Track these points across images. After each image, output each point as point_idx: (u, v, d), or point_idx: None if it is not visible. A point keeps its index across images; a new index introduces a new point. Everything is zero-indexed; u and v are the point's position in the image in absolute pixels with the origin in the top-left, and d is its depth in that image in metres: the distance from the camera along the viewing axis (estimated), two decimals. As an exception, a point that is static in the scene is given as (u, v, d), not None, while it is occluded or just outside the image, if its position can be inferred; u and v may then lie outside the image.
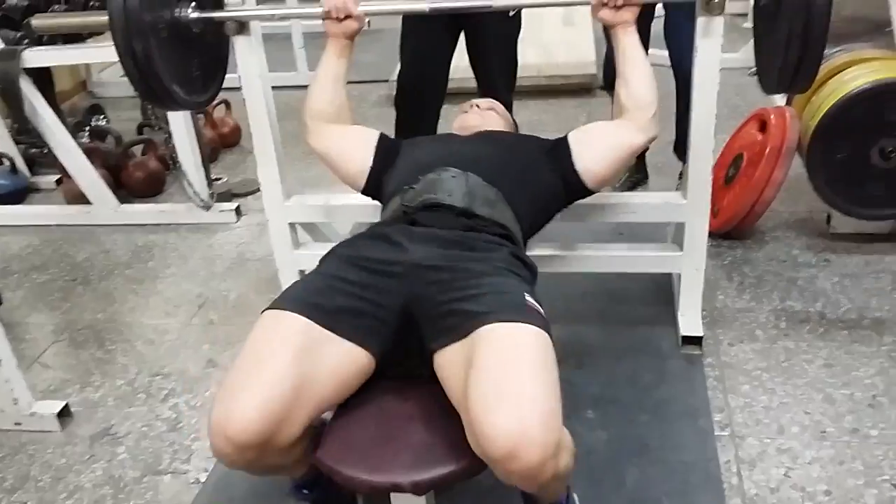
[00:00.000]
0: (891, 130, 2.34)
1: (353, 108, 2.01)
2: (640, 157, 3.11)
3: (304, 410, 1.31)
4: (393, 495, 1.33)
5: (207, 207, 3.17)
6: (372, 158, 1.86)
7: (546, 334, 1.34)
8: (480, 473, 1.29)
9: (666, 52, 2.72)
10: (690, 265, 2.16)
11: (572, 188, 1.83)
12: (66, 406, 2.15)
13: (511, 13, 2.55)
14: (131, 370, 2.37)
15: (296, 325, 1.38)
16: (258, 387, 1.28)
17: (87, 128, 3.92)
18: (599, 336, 2.30)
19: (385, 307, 1.44)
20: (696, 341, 2.18)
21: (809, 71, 1.67)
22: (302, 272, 2.39)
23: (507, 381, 1.21)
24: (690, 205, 2.07)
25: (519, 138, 2.04)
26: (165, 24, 1.86)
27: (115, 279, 2.89)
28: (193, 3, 1.93)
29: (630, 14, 1.80)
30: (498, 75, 2.71)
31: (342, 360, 1.39)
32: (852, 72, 2.41)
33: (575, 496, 1.56)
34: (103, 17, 1.80)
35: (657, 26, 2.72)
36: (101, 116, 4.11)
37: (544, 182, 1.80)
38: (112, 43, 1.74)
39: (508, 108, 2.42)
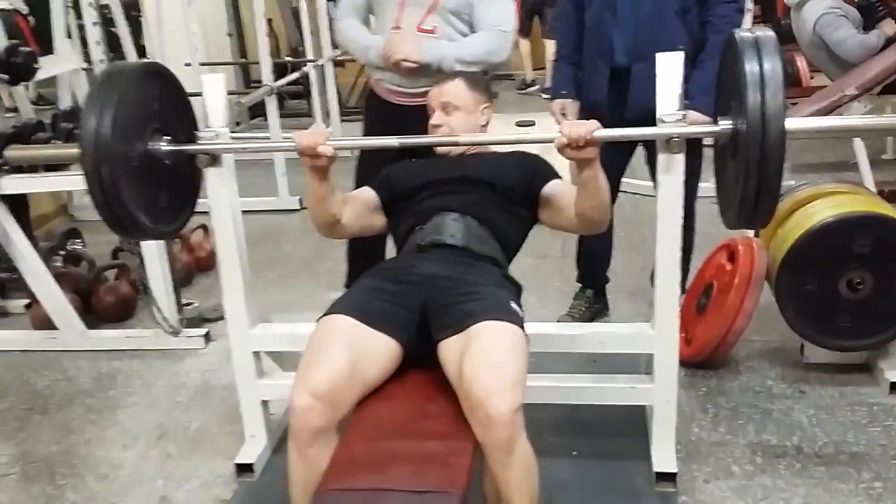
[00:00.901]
0: (857, 262, 2.36)
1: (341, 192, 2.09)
2: (602, 291, 3.11)
3: (357, 383, 1.72)
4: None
5: (176, 333, 3.12)
6: (376, 197, 2.16)
7: (521, 331, 1.79)
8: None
9: (640, 182, 2.77)
10: (662, 397, 2.12)
11: (531, 223, 2.17)
12: (7, 547, 2.03)
13: None
14: (80, 507, 2.25)
15: (346, 322, 1.80)
16: (328, 360, 1.70)
17: (62, 252, 3.90)
18: (571, 472, 2.22)
19: (409, 308, 1.85)
20: (670, 478, 2.11)
21: (767, 208, 1.70)
22: (265, 403, 2.34)
23: (489, 356, 1.65)
24: (659, 336, 2.05)
25: (505, 184, 2.10)
26: (137, 155, 1.89)
27: (75, 408, 2.79)
28: (167, 137, 1.96)
29: (593, 152, 1.84)
30: None
31: (381, 348, 1.79)
32: (816, 205, 2.46)
33: None
34: (75, 150, 1.82)
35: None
36: (77, 240, 4.11)
37: (522, 218, 2.13)
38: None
39: None
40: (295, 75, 5.03)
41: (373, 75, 2.74)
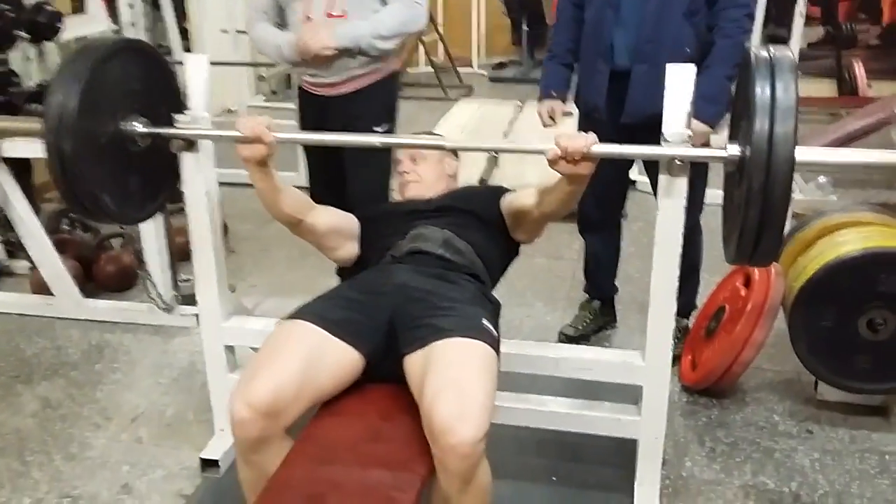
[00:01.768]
0: (880, 301, 2.17)
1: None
2: (610, 302, 2.95)
3: (308, 393, 1.62)
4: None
5: (169, 310, 3.05)
6: (358, 227, 2.12)
7: (492, 350, 1.66)
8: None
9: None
10: (649, 433, 1.97)
11: (513, 245, 2.13)
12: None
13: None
14: (41, 488, 2.20)
15: (305, 328, 1.71)
16: (275, 369, 1.60)
17: (71, 215, 3.86)
18: (548, 499, 2.10)
19: (375, 318, 1.75)
20: (650, 520, 1.97)
21: (769, 246, 1.54)
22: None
23: (454, 378, 1.53)
24: (649, 368, 1.90)
25: (474, 205, 2.10)
26: (106, 134, 1.79)
27: (58, 380, 2.74)
28: (143, 119, 1.86)
29: (588, 168, 1.69)
30: None
31: (340, 358, 1.69)
32: (844, 234, 2.27)
33: None
34: (36, 125, 1.74)
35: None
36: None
37: (501, 239, 2.08)
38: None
39: None
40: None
41: (293, 72, 2.63)
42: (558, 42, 2.66)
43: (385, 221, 2.12)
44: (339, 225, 2.10)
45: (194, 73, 1.95)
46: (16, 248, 3.66)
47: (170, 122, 1.91)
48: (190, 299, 3.17)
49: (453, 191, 2.20)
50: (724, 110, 2.53)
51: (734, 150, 1.61)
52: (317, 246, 2.13)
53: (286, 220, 2.01)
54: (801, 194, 3.78)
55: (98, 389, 2.69)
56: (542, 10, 7.81)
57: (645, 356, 1.90)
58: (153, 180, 1.96)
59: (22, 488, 2.20)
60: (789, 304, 2.29)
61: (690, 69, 1.74)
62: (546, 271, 3.44)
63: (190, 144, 1.93)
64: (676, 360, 2.56)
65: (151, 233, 2.97)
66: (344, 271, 2.78)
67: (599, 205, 2.69)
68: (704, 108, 2.21)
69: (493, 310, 1.87)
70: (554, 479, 2.17)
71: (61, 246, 3.27)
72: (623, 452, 2.19)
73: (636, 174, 3.67)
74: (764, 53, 1.55)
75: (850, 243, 2.23)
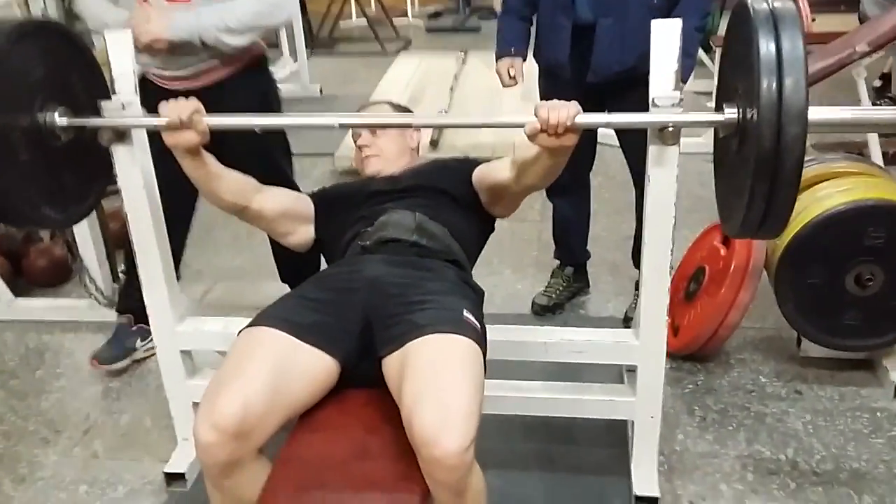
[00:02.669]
0: (868, 256, 2.09)
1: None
2: (582, 267, 2.84)
3: (280, 408, 1.46)
4: None
5: (111, 304, 2.82)
6: (312, 208, 1.95)
7: (476, 346, 1.50)
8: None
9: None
10: (645, 413, 1.87)
11: (488, 220, 1.98)
12: None
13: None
14: (-11, 520, 2.01)
15: (271, 336, 1.53)
16: (241, 383, 1.42)
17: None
18: (542, 486, 1.99)
19: (347, 319, 1.59)
20: (651, 502, 1.88)
21: (779, 219, 1.41)
22: (196, 405, 2.06)
23: (434, 381, 1.38)
24: (643, 347, 1.79)
25: (443, 181, 1.93)
26: (22, 130, 1.56)
27: (-5, 392, 2.52)
28: (62, 107, 1.63)
29: (572, 140, 1.54)
30: None
31: (312, 366, 1.53)
32: (826, 188, 2.17)
33: None
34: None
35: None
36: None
37: (474, 215, 1.92)
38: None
39: None
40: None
41: (142, 64, 2.18)
42: None
43: (346, 204, 1.93)
44: (289, 208, 1.92)
45: (118, 51, 1.72)
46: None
47: (95, 111, 1.69)
48: (134, 291, 2.96)
49: (419, 166, 2.01)
50: (694, 63, 2.40)
51: (731, 112, 1.48)
52: (268, 232, 1.98)
53: (229, 207, 1.84)
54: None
55: (43, 399, 2.47)
56: (476, -45, 7.59)
57: (639, 335, 1.79)
58: (84, 173, 1.75)
59: (-34, 521, 2.00)
60: (774, 263, 2.20)
61: (676, 24, 1.59)
62: (511, 235, 3.30)
63: (121, 135, 1.71)
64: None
65: (82, 222, 2.72)
66: (289, 279, 2.66)
67: (568, 167, 2.53)
68: None
69: (476, 299, 1.72)
70: (547, 465, 2.06)
71: (-15, 242, 3.01)
72: (615, 431, 2.11)
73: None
74: (764, 5, 1.40)
75: (833, 197, 2.13)
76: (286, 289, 2.59)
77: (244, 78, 2.26)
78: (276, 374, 1.46)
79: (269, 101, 2.36)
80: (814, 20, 5.43)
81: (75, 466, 2.17)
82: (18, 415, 2.41)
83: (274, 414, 1.45)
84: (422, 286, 1.63)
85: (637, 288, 2.46)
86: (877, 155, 2.93)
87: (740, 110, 1.45)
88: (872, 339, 2.19)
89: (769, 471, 2.02)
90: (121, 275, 2.87)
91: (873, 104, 3.39)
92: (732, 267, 2.26)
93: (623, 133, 2.39)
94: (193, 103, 1.62)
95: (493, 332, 1.71)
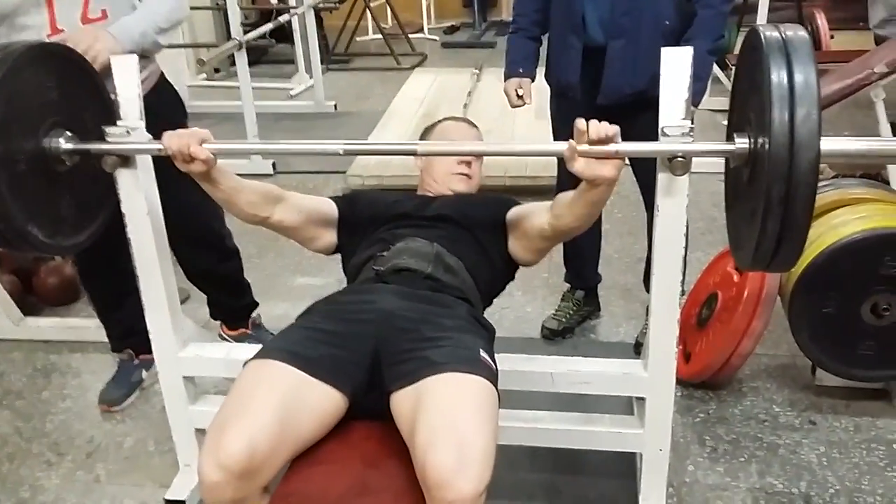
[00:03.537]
0: (884, 286, 2.04)
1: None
2: (593, 291, 2.80)
3: (287, 445, 1.42)
4: None
5: (119, 325, 2.81)
6: (336, 212, 1.90)
7: (492, 386, 1.47)
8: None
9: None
10: (653, 446, 1.83)
11: (510, 268, 1.91)
12: None
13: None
14: (-9, 546, 1.99)
15: (278, 369, 1.49)
16: (247, 421, 1.38)
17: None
18: (547, 519, 1.95)
19: (357, 351, 1.55)
20: (659, 537, 1.84)
21: (791, 252, 1.37)
22: (200, 431, 2.05)
23: (449, 422, 1.34)
24: (652, 379, 1.75)
25: (473, 220, 1.88)
26: (26, 155, 1.55)
27: (2, 413, 2.51)
28: (67, 132, 1.62)
29: (610, 170, 1.49)
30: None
31: (320, 401, 1.49)
32: (842, 215, 2.13)
33: None
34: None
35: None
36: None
37: (498, 259, 1.86)
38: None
39: None
40: (269, 26, 4.59)
41: None
42: (522, 13, 2.45)
43: (370, 220, 1.89)
44: (311, 215, 1.87)
45: (123, 76, 1.71)
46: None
47: (100, 136, 1.68)
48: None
49: (456, 198, 1.96)
50: (705, 87, 2.36)
51: (742, 142, 1.44)
52: (293, 239, 1.93)
53: (251, 219, 1.80)
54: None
55: (48, 421, 2.46)
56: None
57: (647, 366, 1.75)
58: (89, 200, 1.74)
59: (-32, 546, 1.99)
60: (788, 291, 2.15)
61: (687, 52, 1.56)
62: (520, 257, 3.26)
63: (125, 160, 1.69)
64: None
65: (94, 243, 2.72)
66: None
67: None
68: None
69: (489, 337, 1.68)
70: (553, 496, 2.02)
71: (-5, 259, 3.01)
72: (623, 461, 2.06)
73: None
74: (775, 33, 1.37)
75: (849, 224, 2.09)
76: (294, 308, 2.58)
77: (166, 89, 2.27)
78: (283, 411, 1.42)
79: (180, 99, 2.37)
80: (832, 37, 5.39)
81: (77, 491, 2.16)
82: (23, 436, 2.39)
83: (280, 452, 1.41)
84: (436, 322, 1.60)
85: (649, 312, 2.43)
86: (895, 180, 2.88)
87: (752, 140, 1.42)
88: (888, 370, 2.15)
89: (782, 505, 1.97)
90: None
91: (893, 126, 3.33)
92: (746, 294, 2.21)
93: (634, 157, 2.36)
94: (197, 133, 1.60)
95: (500, 362, 1.67)
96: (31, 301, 3.10)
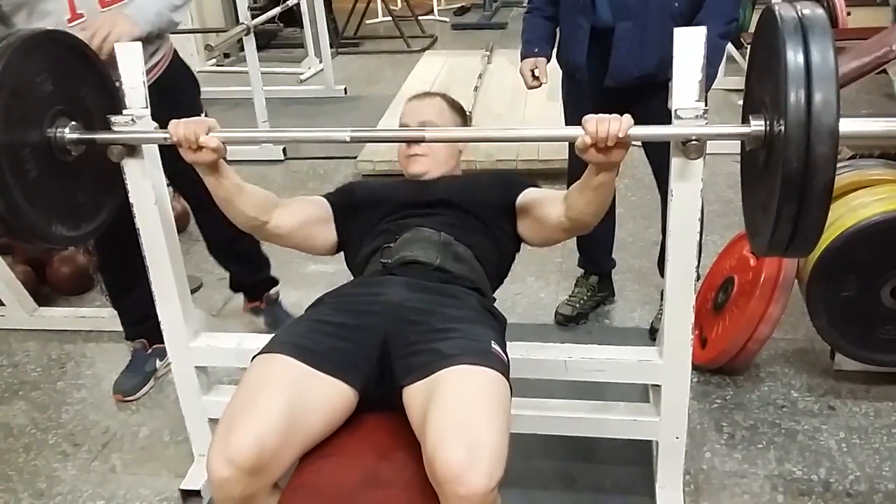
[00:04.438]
0: (905, 268, 2.01)
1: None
2: (607, 276, 2.77)
3: (296, 441, 1.41)
4: None
5: (132, 313, 2.81)
6: (329, 208, 1.87)
7: (504, 379, 1.45)
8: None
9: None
10: (669, 434, 1.81)
11: (516, 244, 1.87)
12: None
13: None
14: (7, 535, 2.00)
15: (285, 364, 1.47)
16: (255, 417, 1.36)
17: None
18: (561, 507, 1.94)
19: (366, 344, 1.52)
20: (676, 526, 1.82)
21: (809, 238, 1.34)
22: (214, 421, 2.04)
23: (460, 416, 1.32)
24: (667, 367, 1.72)
25: (479, 204, 1.83)
26: (32, 146, 1.54)
27: (18, 404, 2.52)
28: (72, 122, 1.61)
29: (620, 155, 1.48)
30: None
31: (329, 395, 1.47)
32: (861, 197, 2.08)
33: None
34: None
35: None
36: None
37: (504, 241, 1.83)
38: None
39: None
40: (277, 10, 4.57)
41: None
42: None
43: (371, 211, 1.84)
44: (307, 216, 1.83)
45: (128, 64, 1.69)
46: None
47: (105, 125, 1.66)
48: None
49: (457, 179, 1.92)
50: (716, 72, 2.32)
51: (757, 125, 1.41)
52: (289, 247, 1.89)
53: (247, 222, 1.75)
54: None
55: (63, 411, 2.47)
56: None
57: (663, 354, 1.72)
58: (97, 189, 1.73)
59: (-15, 536, 2.00)
60: (806, 275, 2.12)
61: (700, 32, 1.52)
62: (534, 241, 3.23)
63: (132, 149, 1.68)
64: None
65: (104, 232, 2.72)
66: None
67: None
68: None
69: (500, 328, 1.65)
70: (568, 484, 2.00)
71: (9, 251, 3.02)
72: (639, 448, 2.04)
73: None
74: (791, 12, 1.33)
75: (868, 206, 2.05)
76: (306, 299, 2.58)
77: (179, 71, 2.31)
78: (292, 406, 1.40)
79: (194, 76, 2.43)
80: (849, 14, 5.29)
81: (93, 482, 2.17)
82: (39, 427, 2.40)
83: (290, 447, 1.40)
84: (445, 314, 1.57)
85: (663, 298, 2.40)
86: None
87: (767, 123, 1.38)
88: (909, 354, 2.11)
89: (800, 492, 1.94)
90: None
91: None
92: (762, 278, 2.18)
93: (650, 147, 2.33)
94: (204, 122, 1.57)
95: (512, 349, 1.66)
96: (44, 291, 3.11)
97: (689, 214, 1.56)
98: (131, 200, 1.75)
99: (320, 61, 5.64)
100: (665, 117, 1.51)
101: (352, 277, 1.85)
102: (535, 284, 2.96)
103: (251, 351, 1.81)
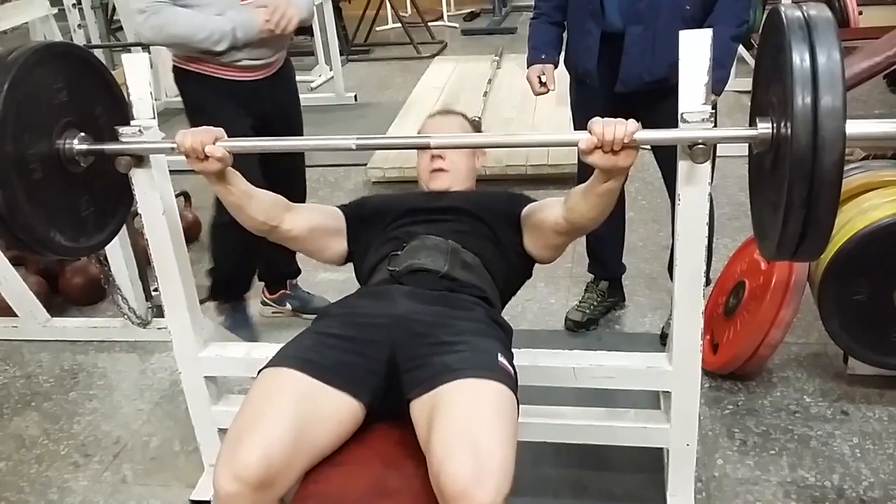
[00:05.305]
0: (918, 270, 1.98)
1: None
2: (617, 281, 2.75)
3: (303, 455, 1.39)
4: None
5: (144, 324, 2.83)
6: (343, 218, 1.88)
7: (511, 392, 1.43)
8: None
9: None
10: (680, 441, 1.79)
11: (525, 261, 1.85)
12: None
13: None
14: (20, 548, 2.01)
15: (292, 378, 1.46)
16: (262, 431, 1.36)
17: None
18: (572, 515, 1.92)
19: (372, 358, 1.51)
20: (687, 534, 1.80)
21: (817, 241, 1.33)
22: (223, 431, 2.05)
23: (466, 430, 1.31)
24: (677, 373, 1.71)
25: (487, 212, 1.84)
26: (40, 158, 1.55)
27: (30, 414, 2.53)
28: (81, 133, 1.62)
29: (629, 159, 1.46)
30: None
31: (336, 409, 1.46)
32: (872, 199, 2.07)
33: None
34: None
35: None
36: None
37: (513, 255, 1.82)
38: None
39: None
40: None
41: (220, 59, 2.31)
42: None
43: (380, 219, 1.85)
44: (319, 224, 1.84)
45: (135, 75, 1.70)
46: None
47: (113, 136, 1.67)
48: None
49: (468, 192, 1.92)
50: (727, 75, 2.31)
51: (764, 127, 1.40)
52: (301, 251, 1.93)
53: (259, 227, 1.77)
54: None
55: (75, 422, 2.48)
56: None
57: (672, 360, 1.71)
58: (106, 199, 1.74)
59: (-2, 548, 2.01)
60: (818, 278, 2.10)
61: (706, 34, 1.51)
62: (544, 247, 3.22)
63: (140, 160, 1.69)
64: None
65: (114, 241, 2.73)
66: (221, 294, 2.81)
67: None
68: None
69: (506, 339, 1.63)
70: (579, 492, 1.99)
71: (21, 262, 3.03)
72: (650, 455, 2.02)
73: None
74: (797, 13, 1.32)
75: (879, 208, 2.03)
76: (328, 299, 2.77)
77: (289, 63, 2.54)
78: (299, 421, 1.39)
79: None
80: (860, 13, 5.26)
81: (104, 492, 2.17)
82: (51, 438, 2.41)
83: (297, 462, 1.39)
84: (453, 325, 1.56)
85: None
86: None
87: (774, 126, 1.37)
88: (924, 358, 2.08)
89: (814, 499, 1.92)
90: (152, 293, 2.87)
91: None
92: (773, 282, 2.16)
93: (658, 150, 2.32)
94: (211, 131, 1.58)
95: (520, 357, 1.66)
96: (57, 301, 3.13)
97: (696, 218, 1.55)
98: (140, 211, 1.76)
99: (330, 69, 5.66)
100: (675, 122, 1.50)
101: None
102: (545, 290, 2.95)
103: (260, 361, 1.81)
